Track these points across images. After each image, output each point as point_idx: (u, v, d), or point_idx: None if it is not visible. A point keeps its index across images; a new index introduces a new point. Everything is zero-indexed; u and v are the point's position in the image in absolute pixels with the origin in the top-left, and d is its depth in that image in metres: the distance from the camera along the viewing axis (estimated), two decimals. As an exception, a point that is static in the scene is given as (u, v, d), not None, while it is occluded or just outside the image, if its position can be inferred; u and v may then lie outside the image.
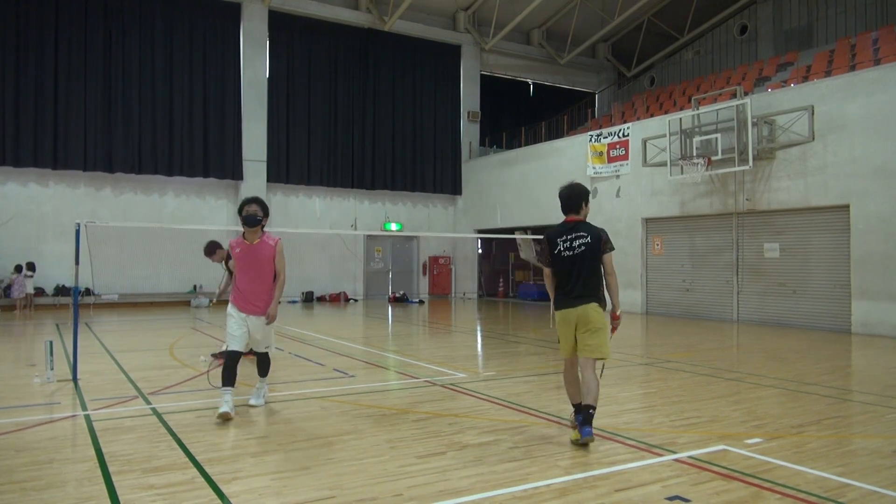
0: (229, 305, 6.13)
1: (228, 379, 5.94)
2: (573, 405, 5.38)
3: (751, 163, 13.87)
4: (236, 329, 6.05)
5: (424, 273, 24.06)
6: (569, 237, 5.28)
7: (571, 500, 3.94)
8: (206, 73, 20.09)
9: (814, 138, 13.38)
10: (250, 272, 6.06)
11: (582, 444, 5.03)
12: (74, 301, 8.03)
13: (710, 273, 15.80)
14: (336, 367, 8.78)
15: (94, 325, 14.00)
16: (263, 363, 6.42)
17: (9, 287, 17.02)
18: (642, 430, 5.54)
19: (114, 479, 4.26)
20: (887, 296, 12.26)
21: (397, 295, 22.47)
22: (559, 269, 5.34)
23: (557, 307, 5.37)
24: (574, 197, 5.39)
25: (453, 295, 24.07)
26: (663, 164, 16.02)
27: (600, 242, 5.26)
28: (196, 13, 20.03)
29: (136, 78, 19.09)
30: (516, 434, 5.39)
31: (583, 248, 5.24)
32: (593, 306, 5.24)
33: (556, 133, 22.83)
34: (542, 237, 5.52)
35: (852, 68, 14.76)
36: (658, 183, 16.74)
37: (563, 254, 5.28)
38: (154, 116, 19.35)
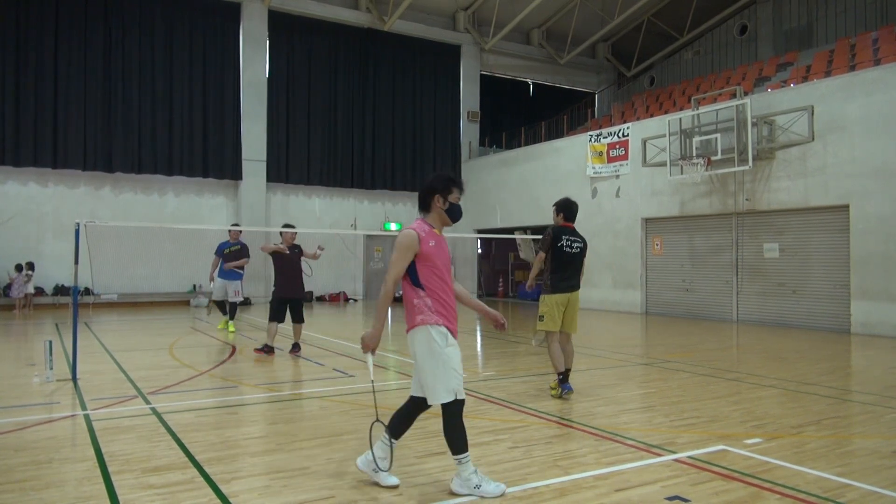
0: (435, 329, 4.01)
1: (401, 428, 4.23)
2: (559, 373, 6.85)
3: (750, 163, 13.87)
4: (458, 362, 4.04)
5: (424, 273, 23.99)
6: (570, 238, 6.93)
7: (571, 500, 3.94)
8: (205, 73, 20.08)
9: (813, 138, 13.38)
10: (448, 276, 4.20)
11: (565, 398, 6.71)
12: (74, 301, 8.02)
13: (710, 273, 15.80)
14: (336, 367, 8.78)
15: (93, 324, 14.00)
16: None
17: (8, 286, 17.02)
18: (642, 430, 5.54)
19: (113, 478, 4.26)
20: (887, 296, 12.26)
21: (397, 295, 22.40)
22: (559, 261, 6.87)
23: (556, 290, 6.86)
24: (576, 210, 7.09)
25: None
26: (663, 164, 16.03)
27: (586, 247, 7.12)
28: (196, 13, 20.03)
29: (136, 77, 19.08)
30: (516, 434, 5.39)
31: (578, 249, 6.99)
32: (579, 293, 7.03)
33: (555, 133, 22.82)
34: (547, 229, 7.03)
35: (852, 68, 14.76)
36: (658, 183, 16.74)
37: (565, 249, 6.88)
38: (154, 116, 19.35)
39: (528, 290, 7.43)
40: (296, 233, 9.87)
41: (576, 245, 6.94)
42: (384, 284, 4.05)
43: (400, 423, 4.18)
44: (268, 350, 9.51)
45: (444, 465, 4.54)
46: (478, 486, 3.95)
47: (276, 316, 9.57)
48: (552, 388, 6.96)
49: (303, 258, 9.80)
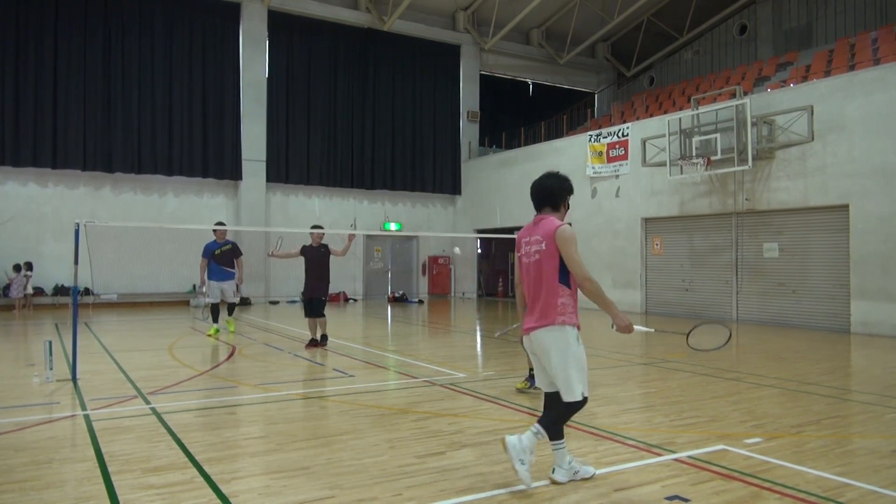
0: (574, 330, 4.11)
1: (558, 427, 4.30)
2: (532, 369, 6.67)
3: (750, 163, 13.87)
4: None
5: (424, 273, 24.06)
6: None
7: (571, 500, 3.94)
8: (205, 73, 20.09)
9: (813, 138, 13.39)
10: None
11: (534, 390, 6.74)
12: (74, 301, 8.02)
13: (710, 273, 15.80)
14: (336, 367, 8.78)
15: (93, 324, 14.00)
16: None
17: (7, 287, 17.02)
18: (642, 430, 5.54)
19: (113, 478, 4.26)
20: (886, 296, 12.26)
21: (396, 295, 22.47)
22: None
23: None
24: None
25: (453, 295, 24.07)
26: (663, 164, 16.03)
27: None
28: (196, 13, 20.03)
29: (136, 78, 19.08)
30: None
31: None
32: None
33: (555, 133, 22.83)
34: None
35: (851, 68, 14.77)
36: (657, 183, 16.74)
37: None
38: (154, 116, 19.35)
39: None
40: (323, 233, 10.53)
41: None
42: (590, 282, 3.99)
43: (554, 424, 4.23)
44: (311, 343, 10.48)
45: (444, 466, 4.54)
46: (577, 472, 4.21)
47: (306, 312, 10.55)
48: (521, 383, 7.18)
49: (332, 256, 10.54)
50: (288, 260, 10.70)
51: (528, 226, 4.32)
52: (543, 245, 4.13)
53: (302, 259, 10.47)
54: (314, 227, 10.56)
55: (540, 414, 6.06)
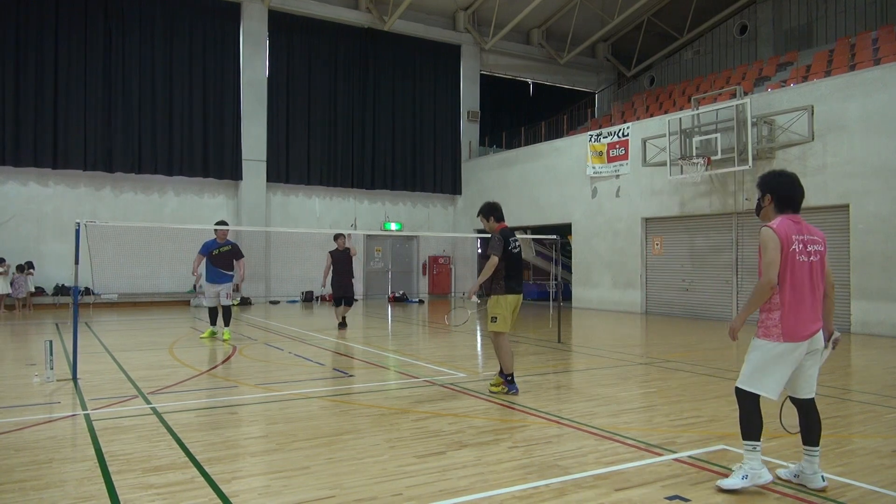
0: (767, 340, 4.19)
1: (757, 429, 4.22)
2: (509, 373, 6.92)
3: (750, 163, 13.87)
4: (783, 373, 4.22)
5: (424, 273, 24.06)
6: (513, 240, 7.06)
7: (571, 500, 3.94)
8: (205, 73, 20.10)
9: (813, 138, 13.39)
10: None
11: (514, 394, 6.83)
12: (74, 301, 8.03)
13: (710, 273, 15.80)
14: (336, 366, 8.78)
15: (93, 324, 14.00)
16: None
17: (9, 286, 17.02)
18: (642, 430, 5.54)
19: (113, 478, 4.26)
20: (887, 296, 12.26)
21: (397, 295, 22.47)
22: (511, 262, 6.93)
23: (510, 291, 6.92)
24: (502, 210, 7.29)
25: (453, 294, 24.07)
26: (663, 164, 16.03)
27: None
28: (196, 13, 20.04)
29: (136, 78, 19.09)
30: (516, 434, 5.39)
31: (520, 248, 7.13)
32: None
33: (555, 133, 22.82)
34: (497, 234, 7.00)
35: (852, 68, 14.76)
36: (658, 183, 16.74)
37: (512, 251, 6.98)
38: (154, 116, 19.36)
39: (468, 297, 7.18)
40: (349, 236, 12.65)
41: (518, 245, 7.08)
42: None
43: (804, 428, 4.30)
44: (340, 326, 12.79)
45: (444, 465, 4.54)
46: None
47: (336, 303, 13.02)
48: (494, 386, 7.08)
49: (354, 257, 12.74)
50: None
51: (790, 223, 4.27)
52: (822, 248, 4.44)
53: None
54: (338, 234, 12.72)
55: (539, 413, 6.09)
